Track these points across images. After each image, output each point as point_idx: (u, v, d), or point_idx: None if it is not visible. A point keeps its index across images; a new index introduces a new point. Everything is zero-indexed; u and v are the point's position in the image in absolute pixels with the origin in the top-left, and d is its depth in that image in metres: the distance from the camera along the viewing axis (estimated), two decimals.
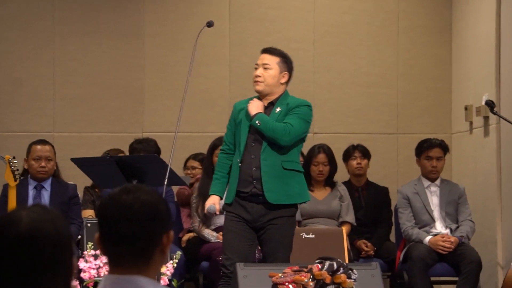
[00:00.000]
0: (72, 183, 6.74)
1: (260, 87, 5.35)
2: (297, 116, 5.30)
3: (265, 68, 5.35)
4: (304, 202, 5.49)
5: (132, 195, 2.27)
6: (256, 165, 5.26)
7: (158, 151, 6.85)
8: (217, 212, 5.37)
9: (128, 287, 2.23)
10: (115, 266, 2.27)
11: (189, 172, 7.24)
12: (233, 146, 5.39)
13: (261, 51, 5.45)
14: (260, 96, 5.40)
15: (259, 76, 5.34)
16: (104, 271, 4.88)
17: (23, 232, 2.04)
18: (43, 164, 6.46)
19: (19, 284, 2.02)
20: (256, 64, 5.40)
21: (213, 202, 5.32)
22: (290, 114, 5.31)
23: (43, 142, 6.58)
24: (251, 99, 5.43)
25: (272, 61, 5.37)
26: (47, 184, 6.53)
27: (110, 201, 2.28)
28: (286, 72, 5.39)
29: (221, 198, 5.39)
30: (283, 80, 5.38)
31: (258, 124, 5.23)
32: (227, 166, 5.38)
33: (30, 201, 6.41)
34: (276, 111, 5.33)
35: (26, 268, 2.02)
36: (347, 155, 7.28)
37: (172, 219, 2.36)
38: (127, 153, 7.05)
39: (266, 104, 5.38)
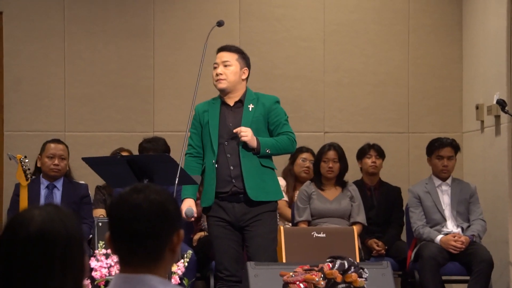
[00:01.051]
0: (83, 182, 6.75)
1: (223, 84, 5.35)
2: (284, 119, 5.37)
3: (225, 66, 5.36)
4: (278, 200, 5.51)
5: (142, 195, 2.28)
6: (234, 164, 5.28)
7: (167, 150, 6.84)
8: (195, 215, 5.39)
9: (139, 286, 2.24)
10: (125, 265, 2.28)
11: None
12: (201, 149, 5.40)
13: (218, 50, 5.46)
14: (223, 95, 5.41)
15: (220, 74, 5.35)
16: (115, 270, 4.88)
17: (33, 232, 2.05)
18: (56, 162, 6.48)
19: (29, 283, 2.02)
20: (215, 63, 5.41)
21: (189, 205, 5.33)
22: (276, 120, 5.34)
23: (57, 141, 6.63)
24: (214, 100, 5.45)
25: (231, 58, 5.38)
26: (59, 184, 6.54)
27: (120, 201, 2.29)
28: (246, 68, 5.43)
29: (195, 200, 5.40)
30: (244, 76, 5.42)
31: (268, 152, 5.26)
32: (197, 169, 5.38)
33: (42, 200, 6.42)
34: (250, 109, 5.35)
35: (35, 268, 2.03)
36: (362, 153, 7.26)
37: (181, 218, 2.36)
38: (136, 152, 7.04)
39: (232, 104, 5.38)
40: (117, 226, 2.27)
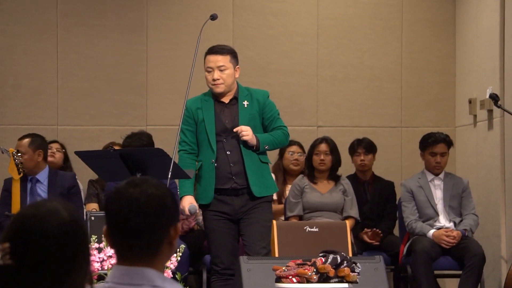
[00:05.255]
0: (70, 172, 6.69)
1: (220, 89, 5.39)
2: (277, 113, 5.47)
3: (221, 70, 5.37)
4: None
5: (139, 189, 2.26)
6: (234, 161, 5.33)
7: (147, 144, 6.71)
8: (198, 211, 5.44)
9: (137, 279, 2.23)
10: (123, 259, 2.27)
11: None
12: (195, 145, 5.42)
13: (208, 53, 5.44)
14: (219, 96, 5.43)
15: (218, 79, 5.36)
16: (108, 264, 4.89)
17: (67, 219, 2.05)
18: None
19: (61, 273, 2.02)
20: (209, 68, 5.40)
21: (191, 202, 5.37)
22: (270, 115, 5.41)
23: (22, 137, 6.50)
24: (205, 96, 5.46)
25: (225, 61, 5.39)
26: (42, 177, 6.47)
27: (117, 195, 2.27)
28: (238, 66, 5.47)
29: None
30: (237, 75, 5.47)
31: (267, 148, 5.37)
32: (191, 166, 5.41)
33: (28, 194, 6.36)
34: (245, 106, 5.39)
35: (71, 258, 2.04)
36: (352, 150, 7.27)
37: (178, 211, 2.36)
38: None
39: (227, 101, 5.41)
40: (115, 221, 2.25)
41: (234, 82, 5.46)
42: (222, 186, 5.35)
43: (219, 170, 5.33)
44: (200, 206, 5.47)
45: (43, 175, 6.49)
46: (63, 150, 7.26)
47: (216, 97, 5.45)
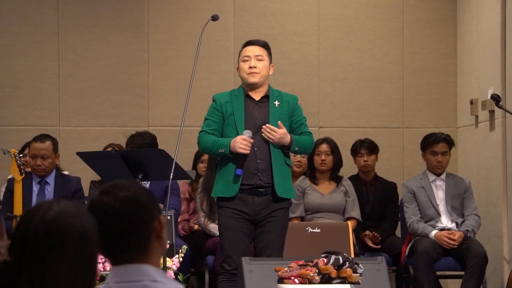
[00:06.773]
0: (75, 176, 6.69)
1: (255, 78, 5.27)
2: (304, 119, 5.39)
3: (258, 60, 5.29)
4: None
5: (111, 196, 2.27)
6: (261, 157, 5.23)
7: (147, 144, 6.66)
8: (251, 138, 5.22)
9: (136, 275, 2.24)
10: (118, 264, 2.27)
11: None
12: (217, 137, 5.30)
13: (248, 44, 5.38)
14: (250, 89, 5.32)
15: (254, 67, 5.27)
16: (110, 265, 4.87)
17: (48, 218, 2.02)
18: (38, 162, 6.31)
19: (37, 276, 1.99)
20: (247, 56, 5.30)
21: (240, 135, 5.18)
22: (299, 119, 5.34)
23: (41, 139, 6.43)
24: (235, 92, 5.35)
25: (263, 52, 5.33)
26: (51, 179, 6.47)
27: (92, 207, 2.28)
28: (272, 64, 5.40)
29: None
30: (271, 72, 5.39)
31: (296, 149, 5.27)
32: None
33: (34, 196, 6.34)
34: (276, 105, 5.30)
35: (46, 258, 1.99)
36: (354, 151, 7.27)
37: (157, 204, 2.36)
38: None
39: (258, 98, 5.31)
40: (98, 231, 2.23)
41: (268, 79, 5.36)
42: (247, 181, 5.22)
43: (245, 165, 5.22)
44: (222, 199, 5.29)
45: (51, 177, 6.47)
46: None
47: (246, 93, 5.33)
